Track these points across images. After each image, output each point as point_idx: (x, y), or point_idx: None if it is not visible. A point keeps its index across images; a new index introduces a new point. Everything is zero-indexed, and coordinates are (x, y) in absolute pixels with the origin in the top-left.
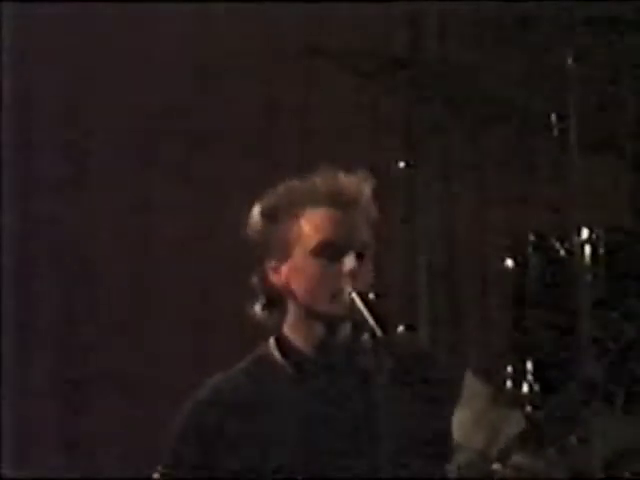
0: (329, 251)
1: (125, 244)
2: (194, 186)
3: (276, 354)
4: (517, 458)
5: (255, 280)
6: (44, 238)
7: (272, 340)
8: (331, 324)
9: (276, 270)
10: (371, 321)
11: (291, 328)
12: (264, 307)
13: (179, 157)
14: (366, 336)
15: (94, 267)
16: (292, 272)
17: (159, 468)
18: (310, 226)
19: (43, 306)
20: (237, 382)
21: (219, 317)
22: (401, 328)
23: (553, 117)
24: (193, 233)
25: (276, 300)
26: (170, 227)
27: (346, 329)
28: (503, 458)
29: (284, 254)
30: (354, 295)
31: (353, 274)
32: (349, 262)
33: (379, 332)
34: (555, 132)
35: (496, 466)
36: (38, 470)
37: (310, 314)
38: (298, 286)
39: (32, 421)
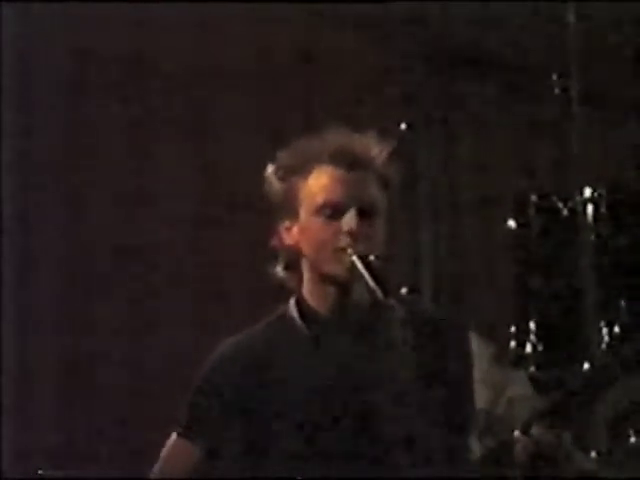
0: (329, 210)
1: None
2: (203, 146)
3: (294, 314)
4: (537, 430)
5: (275, 241)
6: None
7: (292, 301)
8: (342, 285)
9: (289, 231)
10: (371, 283)
11: (307, 289)
12: (285, 267)
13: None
14: (381, 297)
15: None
16: (300, 232)
17: (179, 423)
18: (316, 185)
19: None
20: (255, 340)
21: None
22: (404, 290)
23: (554, 76)
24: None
25: (293, 261)
26: (180, 194)
27: (361, 290)
28: (525, 429)
29: (295, 214)
30: (354, 257)
31: (353, 234)
32: (349, 221)
33: (380, 294)
34: (556, 91)
35: (517, 434)
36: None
37: (319, 275)
38: (306, 246)
39: (32, 421)
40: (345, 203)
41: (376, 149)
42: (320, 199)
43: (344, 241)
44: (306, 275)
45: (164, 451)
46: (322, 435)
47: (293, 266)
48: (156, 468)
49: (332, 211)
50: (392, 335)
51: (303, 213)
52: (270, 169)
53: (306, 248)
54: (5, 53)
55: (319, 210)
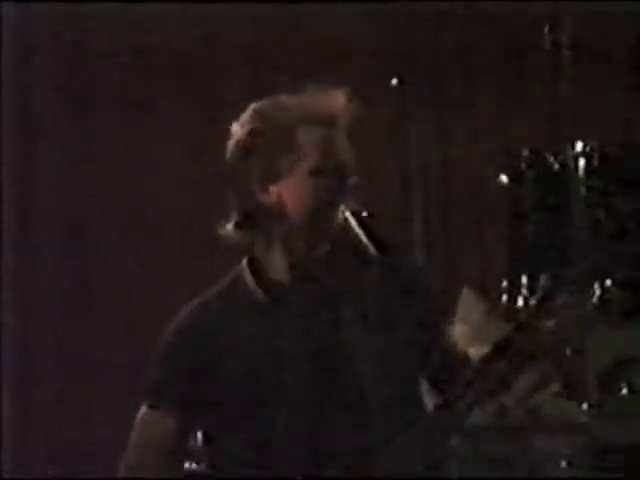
0: (329, 170)
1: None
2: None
3: (249, 280)
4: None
5: (232, 200)
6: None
7: (245, 264)
8: (313, 245)
9: (264, 189)
10: (365, 239)
11: (267, 251)
12: (237, 225)
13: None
14: (345, 256)
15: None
16: (289, 191)
17: (147, 394)
18: (309, 145)
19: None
20: (213, 309)
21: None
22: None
23: (545, 29)
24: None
25: (254, 220)
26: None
27: (325, 250)
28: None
29: (277, 173)
30: (348, 214)
31: (352, 192)
32: (351, 180)
33: (373, 251)
34: (547, 45)
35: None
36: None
37: (297, 234)
38: (294, 205)
39: (33, 422)
40: (342, 163)
41: (352, 107)
42: (318, 158)
43: (342, 200)
44: (274, 235)
45: (136, 427)
46: (290, 400)
47: (250, 225)
48: (130, 446)
49: (333, 170)
50: (350, 295)
51: (297, 172)
52: (237, 126)
53: (294, 207)
54: (5, 53)
55: (318, 170)
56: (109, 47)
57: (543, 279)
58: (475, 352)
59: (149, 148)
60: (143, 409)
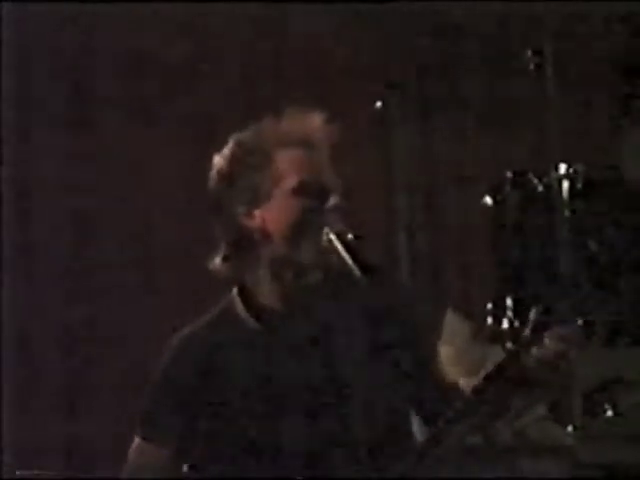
0: (309, 190)
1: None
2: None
3: (240, 309)
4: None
5: (219, 230)
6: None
7: (235, 293)
8: (302, 271)
9: (249, 215)
10: (350, 262)
11: (257, 279)
12: (225, 258)
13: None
14: (359, 276)
15: None
16: (271, 214)
17: (140, 426)
18: (288, 167)
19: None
20: (203, 339)
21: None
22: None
23: (529, 52)
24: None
25: (242, 249)
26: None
27: (316, 277)
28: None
29: (259, 197)
30: (332, 236)
31: (335, 213)
32: (332, 200)
33: (358, 273)
34: (531, 67)
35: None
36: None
37: (284, 258)
38: (277, 227)
39: (33, 422)
40: (322, 183)
41: (330, 129)
42: (297, 180)
43: (325, 221)
44: (261, 261)
45: (130, 458)
46: (284, 428)
47: (239, 254)
48: (124, 476)
49: (312, 191)
50: (342, 324)
51: (277, 195)
52: (224, 155)
53: (277, 229)
54: (5, 53)
55: (298, 190)
56: (109, 47)
57: (533, 313)
58: (465, 383)
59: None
60: (136, 441)
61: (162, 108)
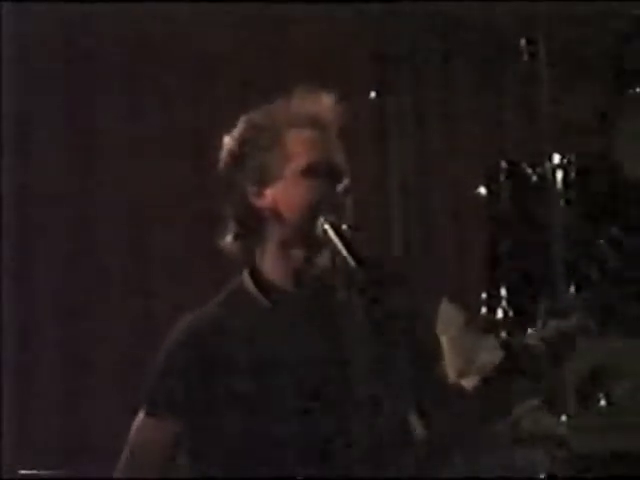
0: (319, 171)
1: None
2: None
3: (251, 287)
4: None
5: (229, 210)
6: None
7: (246, 273)
8: (311, 250)
9: (259, 194)
10: (344, 252)
11: (267, 258)
12: (236, 237)
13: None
14: (353, 266)
15: None
16: (282, 193)
17: (146, 401)
18: (298, 147)
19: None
20: (214, 318)
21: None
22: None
23: (522, 41)
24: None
25: (252, 228)
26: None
27: (325, 258)
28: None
29: (269, 177)
30: (327, 226)
31: (345, 195)
32: (344, 182)
33: (352, 263)
34: (525, 57)
35: None
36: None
37: (294, 238)
38: (287, 207)
39: (33, 422)
40: (327, 162)
41: (338, 108)
42: (307, 160)
43: (328, 199)
44: (271, 241)
45: (133, 432)
46: (289, 409)
47: (249, 233)
48: (126, 452)
49: (318, 171)
50: (348, 303)
51: (288, 174)
52: (229, 137)
53: (287, 209)
54: (5, 53)
55: (308, 171)
56: (109, 47)
57: (542, 309)
58: (467, 383)
59: (149, 145)
60: (140, 416)
61: (162, 111)
